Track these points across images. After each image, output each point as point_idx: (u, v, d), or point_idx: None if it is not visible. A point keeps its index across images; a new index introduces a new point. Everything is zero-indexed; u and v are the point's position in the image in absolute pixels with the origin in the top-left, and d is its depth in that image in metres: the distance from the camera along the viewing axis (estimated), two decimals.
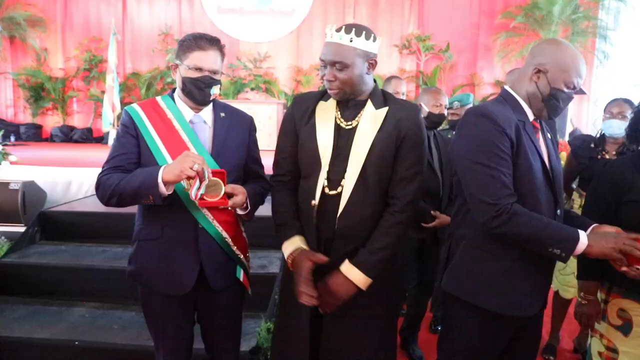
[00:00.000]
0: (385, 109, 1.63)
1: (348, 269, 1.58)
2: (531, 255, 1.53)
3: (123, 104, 7.97)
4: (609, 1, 7.49)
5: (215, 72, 1.70)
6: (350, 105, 1.65)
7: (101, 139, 8.41)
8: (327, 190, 1.62)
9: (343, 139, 1.63)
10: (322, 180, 1.62)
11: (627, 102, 2.67)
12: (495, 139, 1.47)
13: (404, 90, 3.10)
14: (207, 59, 1.67)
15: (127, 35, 8.90)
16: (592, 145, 2.75)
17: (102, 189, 1.65)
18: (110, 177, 1.63)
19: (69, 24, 8.98)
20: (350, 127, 1.64)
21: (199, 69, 1.67)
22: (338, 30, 1.57)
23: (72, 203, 4.16)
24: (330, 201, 1.62)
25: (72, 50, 8.90)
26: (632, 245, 1.40)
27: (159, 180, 1.54)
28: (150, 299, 1.80)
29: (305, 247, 1.64)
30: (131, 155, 1.70)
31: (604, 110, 2.75)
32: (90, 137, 8.79)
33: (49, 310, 2.95)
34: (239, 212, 1.75)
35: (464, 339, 1.64)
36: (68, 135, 8.72)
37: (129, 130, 1.71)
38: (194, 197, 1.56)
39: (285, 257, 1.66)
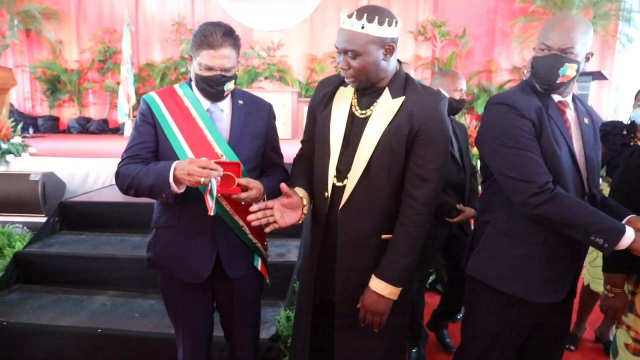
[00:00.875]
0: (401, 99, 1.53)
1: (377, 285, 1.54)
2: (556, 241, 1.50)
3: (138, 94, 8.00)
4: None
5: (228, 70, 1.64)
6: (367, 92, 1.57)
7: (117, 130, 8.48)
8: (335, 181, 1.58)
9: (356, 128, 1.56)
10: (332, 170, 1.58)
11: None
12: (517, 122, 1.47)
13: (412, 76, 3.03)
14: (217, 58, 1.60)
15: (141, 26, 8.92)
16: (625, 132, 2.67)
17: (121, 180, 1.65)
18: (128, 168, 1.63)
19: (82, 16, 9.02)
20: (364, 116, 1.56)
21: (210, 68, 1.62)
22: (350, 16, 1.48)
23: (90, 193, 4.20)
24: (337, 193, 1.58)
25: (87, 42, 8.95)
26: None
27: (170, 180, 1.53)
28: (169, 286, 1.81)
29: (301, 196, 1.61)
30: (149, 144, 1.69)
31: (635, 98, 2.68)
32: (106, 128, 8.86)
33: (72, 298, 3.00)
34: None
35: (487, 323, 1.63)
36: (84, 127, 8.81)
37: (147, 119, 1.70)
38: (210, 211, 1.54)
39: None
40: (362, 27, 1.46)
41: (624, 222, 1.46)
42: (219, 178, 1.53)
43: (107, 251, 3.26)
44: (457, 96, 2.57)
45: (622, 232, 1.38)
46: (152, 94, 1.75)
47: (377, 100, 1.56)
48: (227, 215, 1.71)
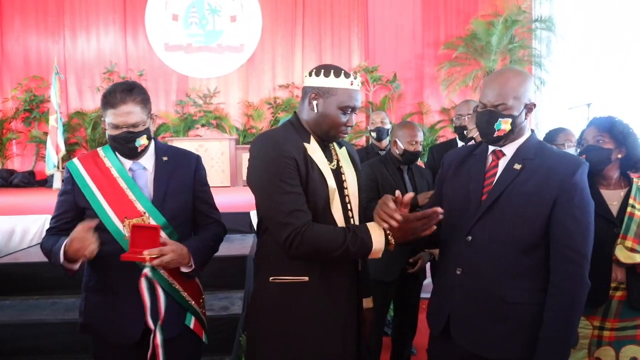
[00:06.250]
0: (344, 147, 1.70)
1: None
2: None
3: (68, 145, 7.68)
4: (540, 31, 8.01)
5: (135, 125, 1.65)
6: (325, 146, 1.63)
7: (45, 182, 8.02)
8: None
9: (337, 180, 1.60)
10: (340, 222, 1.55)
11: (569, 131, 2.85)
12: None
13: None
14: (120, 115, 1.62)
15: (70, 73, 8.65)
16: None
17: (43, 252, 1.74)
18: (47, 242, 1.71)
19: (5, 64, 8.64)
20: (334, 167, 1.61)
21: (117, 126, 1.64)
22: (355, 76, 1.57)
23: (16, 254, 3.90)
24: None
25: (10, 91, 8.54)
26: None
27: (62, 261, 1.61)
28: (101, 351, 1.76)
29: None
30: (67, 215, 1.73)
31: (552, 138, 2.88)
32: (32, 180, 8.35)
33: None
34: (183, 269, 1.68)
35: None
36: (8, 180, 8.25)
37: (67, 188, 1.74)
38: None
39: None
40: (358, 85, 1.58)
41: None
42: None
43: (36, 316, 3.00)
44: (411, 149, 2.61)
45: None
46: (75, 160, 1.77)
47: (332, 152, 1.65)
48: (159, 275, 1.67)
